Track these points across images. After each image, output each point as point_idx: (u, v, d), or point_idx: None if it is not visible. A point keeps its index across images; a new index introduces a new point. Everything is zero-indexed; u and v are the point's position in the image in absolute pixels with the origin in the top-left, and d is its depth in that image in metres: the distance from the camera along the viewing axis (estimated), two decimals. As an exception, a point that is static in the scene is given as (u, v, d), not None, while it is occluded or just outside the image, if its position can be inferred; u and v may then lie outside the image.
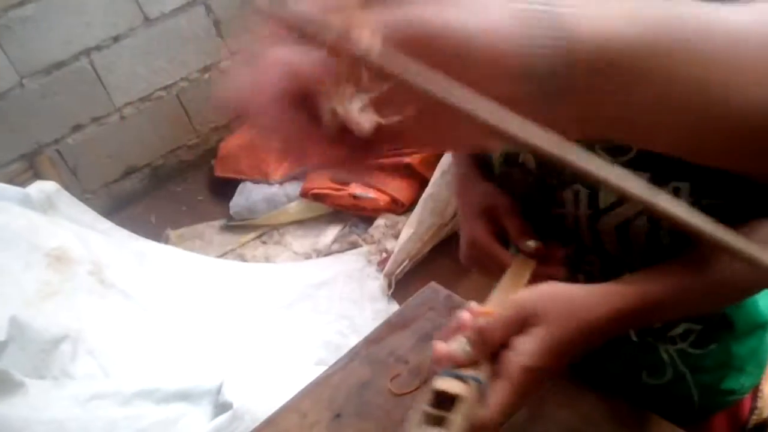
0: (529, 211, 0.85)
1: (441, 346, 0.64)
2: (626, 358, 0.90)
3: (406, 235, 2.41)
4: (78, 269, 1.83)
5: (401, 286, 2.37)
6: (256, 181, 2.90)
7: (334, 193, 2.74)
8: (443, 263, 2.33)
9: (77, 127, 2.94)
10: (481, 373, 0.61)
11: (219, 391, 1.57)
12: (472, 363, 0.62)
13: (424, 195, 2.44)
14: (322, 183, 2.79)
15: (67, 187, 2.59)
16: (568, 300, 0.67)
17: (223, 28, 3.15)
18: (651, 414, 0.86)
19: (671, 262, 0.71)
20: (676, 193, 0.72)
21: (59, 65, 2.81)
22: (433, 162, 2.52)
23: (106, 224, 2.36)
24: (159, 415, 1.50)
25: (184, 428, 1.51)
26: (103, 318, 1.73)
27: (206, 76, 3.19)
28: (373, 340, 1.06)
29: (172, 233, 2.86)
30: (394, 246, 2.43)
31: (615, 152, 0.71)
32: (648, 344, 0.88)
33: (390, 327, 1.07)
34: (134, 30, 2.94)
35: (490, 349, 0.63)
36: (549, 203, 0.81)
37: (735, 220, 0.71)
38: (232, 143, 3.10)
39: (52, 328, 1.60)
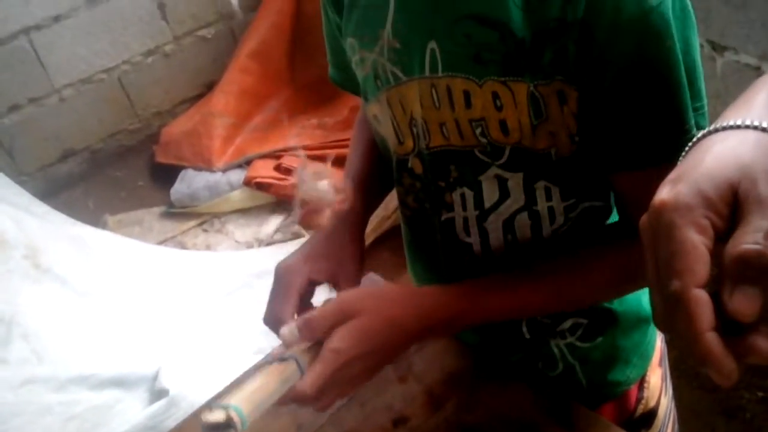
0: (422, 220, 0.91)
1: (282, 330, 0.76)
2: (523, 351, 0.95)
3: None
4: (12, 253, 1.80)
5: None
6: (198, 168, 2.87)
7: (278, 182, 2.74)
8: (384, 255, 2.35)
9: (14, 108, 2.86)
10: (303, 355, 0.74)
11: (155, 377, 1.57)
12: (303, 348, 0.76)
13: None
14: (265, 172, 2.78)
15: (2, 169, 2.53)
16: (380, 296, 0.78)
17: (168, 11, 3.10)
18: (574, 402, 0.90)
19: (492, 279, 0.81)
20: (547, 192, 0.79)
21: (-3, 44, 2.73)
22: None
23: (43, 208, 2.31)
24: (94, 401, 1.49)
25: (120, 414, 1.50)
26: (38, 302, 1.70)
27: (149, 59, 3.13)
28: (313, 328, 1.07)
29: (111, 219, 2.81)
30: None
31: (492, 156, 0.78)
32: (540, 339, 0.93)
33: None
34: (76, 10, 2.87)
35: (315, 336, 0.74)
36: (439, 207, 0.86)
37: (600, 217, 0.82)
38: (174, 129, 3.06)
39: (-15, 312, 1.57)
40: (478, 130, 0.76)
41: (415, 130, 0.82)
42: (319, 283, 0.88)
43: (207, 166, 2.85)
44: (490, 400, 0.92)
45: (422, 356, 1.00)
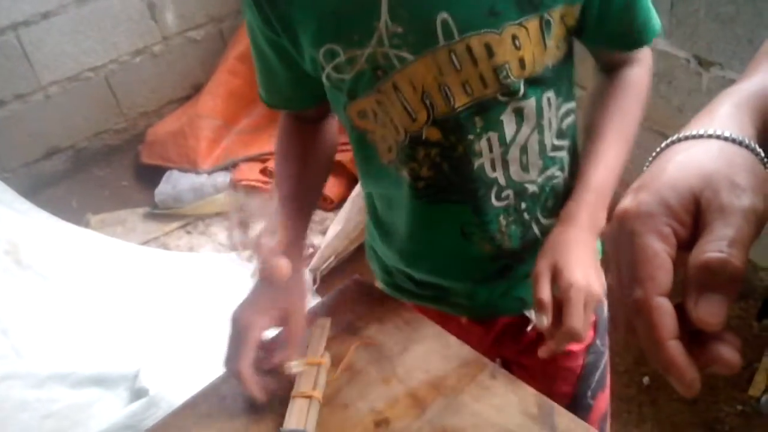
0: (438, 185, 0.94)
1: None
2: None
3: (334, 231, 2.42)
4: (-7, 248, 1.78)
5: (326, 282, 2.38)
6: (183, 170, 2.86)
7: (264, 186, 2.73)
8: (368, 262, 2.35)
9: (-1, 103, 2.84)
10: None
11: (136, 377, 1.55)
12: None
13: (354, 193, 2.46)
14: (251, 175, 2.77)
15: (-15, 166, 2.51)
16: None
17: (158, 11, 3.09)
18: (557, 406, 0.90)
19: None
20: (548, 102, 0.90)
21: (-17, 39, 2.71)
22: (363, 160, 2.54)
23: (25, 204, 2.29)
24: (72, 399, 1.47)
25: (98, 413, 1.48)
26: (18, 298, 1.68)
27: (137, 59, 3.12)
28: (296, 328, 1.07)
29: (93, 218, 2.79)
30: (321, 242, 2.44)
31: (511, 94, 0.87)
32: None
33: (313, 317, 1.08)
34: (65, 7, 2.86)
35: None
36: (468, 158, 0.90)
37: None
38: (160, 129, 3.05)
39: (-37, 306, 1.55)
40: (502, 74, 0.84)
41: (428, 101, 0.86)
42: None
43: (192, 167, 2.84)
44: (474, 403, 0.92)
45: (406, 358, 1.00)
